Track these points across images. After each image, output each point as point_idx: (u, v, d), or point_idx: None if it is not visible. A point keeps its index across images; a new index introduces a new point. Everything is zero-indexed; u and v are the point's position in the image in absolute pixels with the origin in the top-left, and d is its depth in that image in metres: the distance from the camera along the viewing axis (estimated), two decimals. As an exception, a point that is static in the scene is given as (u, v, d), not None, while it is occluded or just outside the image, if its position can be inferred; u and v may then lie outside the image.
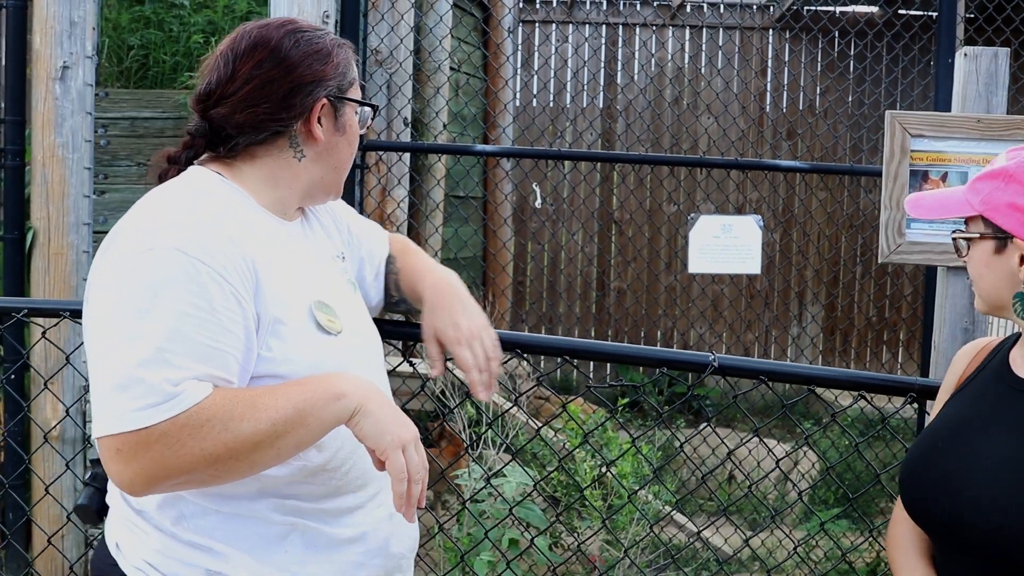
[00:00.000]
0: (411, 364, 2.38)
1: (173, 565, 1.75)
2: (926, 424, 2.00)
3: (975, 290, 1.88)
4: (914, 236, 2.67)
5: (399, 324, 2.26)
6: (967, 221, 1.85)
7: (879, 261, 2.68)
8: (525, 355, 2.26)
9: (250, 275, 1.71)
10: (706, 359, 2.15)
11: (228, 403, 1.62)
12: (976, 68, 2.58)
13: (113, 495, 1.86)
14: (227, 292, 1.66)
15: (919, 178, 2.59)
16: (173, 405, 1.59)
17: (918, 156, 2.60)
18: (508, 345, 2.26)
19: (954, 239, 1.88)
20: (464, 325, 1.99)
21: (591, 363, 8.54)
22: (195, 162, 1.86)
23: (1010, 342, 1.92)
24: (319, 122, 1.84)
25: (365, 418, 1.70)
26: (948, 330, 2.61)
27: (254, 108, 1.79)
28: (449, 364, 2.05)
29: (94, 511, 1.93)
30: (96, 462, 1.91)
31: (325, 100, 1.84)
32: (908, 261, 2.65)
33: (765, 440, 6.21)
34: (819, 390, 2.34)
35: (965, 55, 2.59)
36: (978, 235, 1.81)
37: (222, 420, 1.61)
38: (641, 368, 8.40)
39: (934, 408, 2.03)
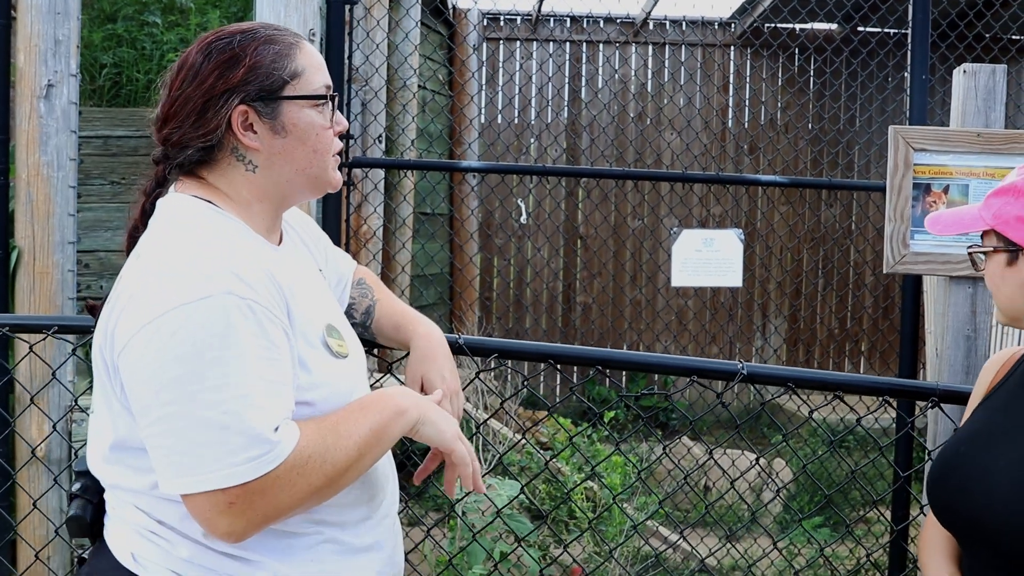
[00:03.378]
0: (398, 379, 2.39)
1: (203, 574, 1.74)
2: (951, 429, 2.06)
3: (995, 302, 1.94)
4: (918, 247, 2.74)
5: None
6: (983, 236, 1.92)
7: (884, 271, 2.75)
8: (514, 369, 2.30)
9: (285, 307, 1.72)
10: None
11: (319, 436, 1.68)
12: (975, 84, 2.66)
13: (121, 506, 1.82)
14: (280, 328, 1.67)
15: (922, 191, 2.66)
16: (281, 450, 1.62)
17: (921, 169, 2.68)
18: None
19: (971, 254, 1.95)
20: (450, 380, 2.07)
21: (558, 378, 8.60)
22: (176, 188, 1.83)
23: None
24: (252, 129, 1.78)
25: (424, 426, 1.82)
26: (951, 337, 2.69)
27: (180, 127, 1.77)
28: None
29: (87, 524, 1.89)
30: (82, 474, 1.88)
31: (243, 106, 1.77)
32: (912, 271, 2.72)
33: (736, 451, 6.29)
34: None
35: (964, 72, 2.68)
36: (991, 248, 1.88)
37: (320, 454, 1.66)
38: (607, 383, 8.49)
39: (964, 415, 2.09)
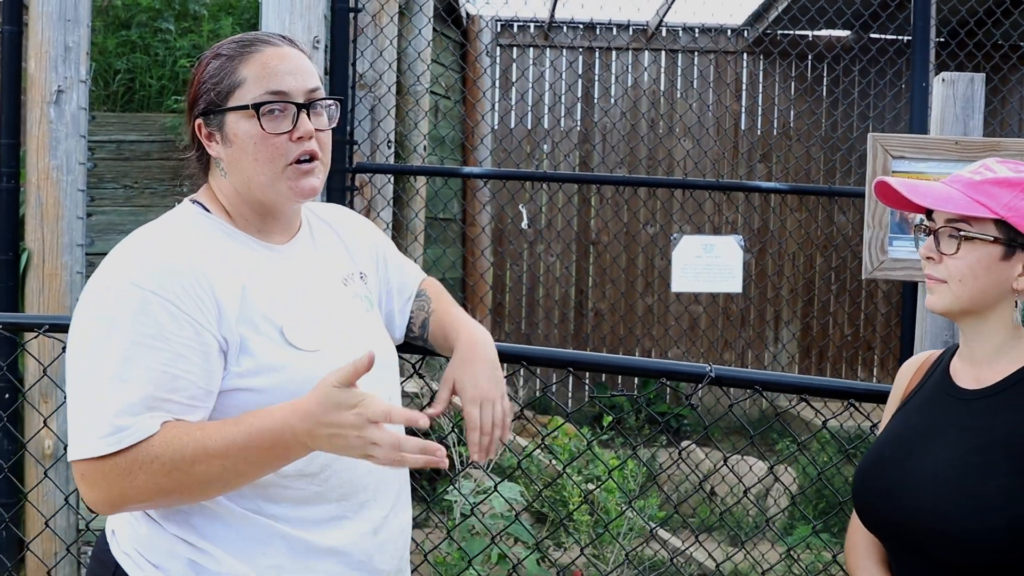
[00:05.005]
0: (422, 378, 2.43)
1: (158, 553, 1.83)
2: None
3: (954, 289, 1.87)
4: (897, 253, 2.77)
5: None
6: (967, 220, 1.84)
7: (863, 277, 2.78)
8: (530, 368, 2.33)
9: (211, 302, 1.77)
10: (703, 370, 2.24)
11: (179, 443, 1.69)
12: (953, 93, 2.69)
13: None
14: (180, 320, 1.73)
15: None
16: (120, 439, 1.68)
17: (899, 176, 2.71)
18: (513, 358, 2.34)
19: (952, 235, 1.85)
20: (484, 387, 1.99)
21: (570, 385, 8.64)
22: (191, 196, 1.96)
23: (949, 353, 2.00)
24: (214, 140, 1.88)
25: (323, 448, 1.70)
26: (929, 342, 2.72)
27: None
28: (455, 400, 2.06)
29: None
30: None
31: (199, 120, 1.88)
32: (891, 277, 2.75)
33: (744, 458, 6.31)
34: (801, 410, 2.42)
35: (943, 80, 2.71)
36: (992, 238, 1.83)
37: (172, 460, 1.68)
38: (622, 388, 8.53)
39: (883, 421, 2.10)
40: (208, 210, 1.92)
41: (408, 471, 2.04)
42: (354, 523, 1.88)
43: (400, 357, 2.17)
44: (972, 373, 1.91)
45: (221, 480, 1.71)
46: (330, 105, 1.93)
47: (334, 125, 1.95)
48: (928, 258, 1.91)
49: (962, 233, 1.85)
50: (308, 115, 1.87)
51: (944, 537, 1.78)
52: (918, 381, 2.03)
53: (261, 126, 1.83)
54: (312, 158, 1.88)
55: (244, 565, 1.80)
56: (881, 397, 2.35)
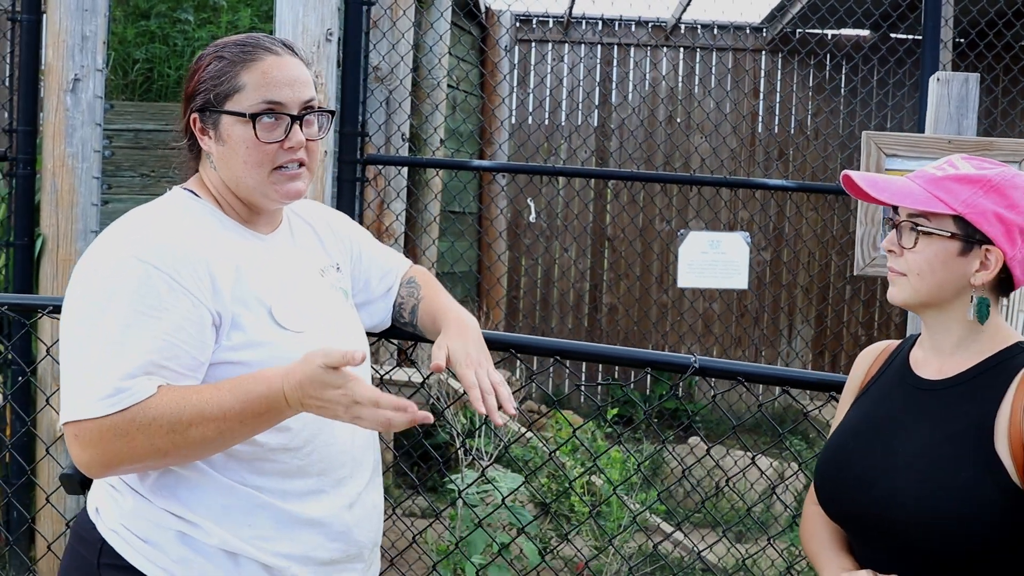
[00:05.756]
0: (414, 365, 2.48)
1: (146, 527, 1.89)
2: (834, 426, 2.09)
3: (913, 282, 1.89)
4: (888, 250, 2.80)
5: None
6: (925, 216, 1.87)
7: (854, 273, 2.81)
8: (520, 359, 2.38)
9: (206, 278, 1.86)
10: (687, 360, 2.28)
11: (176, 405, 1.77)
12: (948, 92, 2.71)
13: None
14: (177, 292, 1.82)
15: (893, 195, 2.72)
16: (119, 400, 1.76)
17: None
18: (501, 345, 2.38)
19: (912, 229, 1.88)
20: (475, 356, 2.07)
21: (583, 376, 8.69)
22: (181, 184, 2.05)
23: (909, 343, 2.02)
24: (207, 135, 1.96)
25: (310, 410, 1.79)
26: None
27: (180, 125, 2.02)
28: (444, 376, 2.13)
29: (77, 481, 2.09)
30: None
31: (194, 114, 1.96)
32: (882, 274, 2.78)
33: (751, 453, 6.33)
34: (809, 409, 2.45)
35: (938, 80, 2.73)
36: (949, 234, 1.85)
37: (169, 421, 1.77)
38: (633, 383, 8.57)
39: (839, 410, 2.12)
40: (198, 197, 2.01)
41: (379, 456, 2.14)
42: (331, 497, 1.97)
43: (390, 342, 2.24)
44: (935, 364, 1.93)
45: (216, 441, 1.80)
46: (322, 114, 2.02)
47: (324, 135, 2.04)
48: (890, 251, 1.95)
49: (919, 228, 1.88)
50: (300, 126, 1.96)
51: (918, 526, 1.81)
52: (876, 370, 2.05)
53: (256, 134, 1.93)
54: (300, 165, 1.99)
55: (231, 535, 1.88)
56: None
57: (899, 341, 2.09)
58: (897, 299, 1.95)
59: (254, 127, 1.92)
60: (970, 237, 1.85)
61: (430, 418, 1.76)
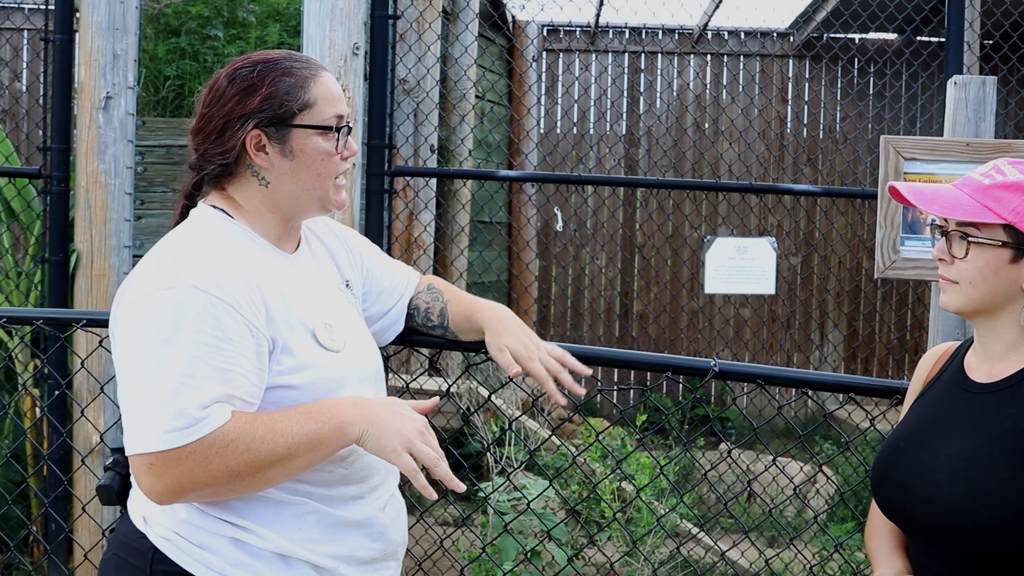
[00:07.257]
0: (441, 373, 2.54)
1: (200, 534, 1.95)
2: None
3: (965, 290, 1.92)
4: (908, 253, 2.82)
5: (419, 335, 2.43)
6: (975, 225, 1.89)
7: (875, 277, 2.82)
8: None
9: (261, 305, 1.93)
10: (707, 364, 2.31)
11: (249, 426, 1.85)
12: (965, 95, 2.73)
13: None
14: (239, 322, 1.88)
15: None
16: (201, 427, 1.82)
17: (911, 178, 2.76)
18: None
19: (962, 238, 1.90)
20: (531, 344, 2.23)
21: (615, 384, 8.69)
22: (202, 200, 2.08)
23: (965, 347, 2.05)
24: (264, 151, 2.00)
25: (368, 440, 1.93)
26: (943, 338, 2.75)
27: (204, 143, 2.02)
28: (474, 385, 2.24)
29: (115, 492, 2.12)
30: (115, 450, 2.10)
31: (256, 130, 1.99)
32: (902, 276, 2.80)
33: (785, 461, 6.33)
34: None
35: (955, 83, 2.75)
36: (1000, 243, 1.87)
37: (244, 441, 1.84)
38: (664, 391, 8.58)
39: (902, 412, 2.16)
40: (231, 216, 2.05)
41: None
42: (368, 500, 2.07)
43: (417, 351, 2.31)
44: (985, 368, 1.96)
45: (283, 464, 1.88)
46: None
47: None
48: (940, 259, 1.97)
49: (970, 239, 1.90)
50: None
51: (955, 527, 1.84)
52: (935, 373, 2.08)
53: (336, 145, 2.03)
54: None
55: (284, 539, 1.96)
56: (885, 392, 2.40)
57: (959, 343, 2.11)
58: (950, 307, 1.98)
59: (337, 139, 2.02)
60: (1021, 245, 1.87)
61: (461, 487, 1.95)
